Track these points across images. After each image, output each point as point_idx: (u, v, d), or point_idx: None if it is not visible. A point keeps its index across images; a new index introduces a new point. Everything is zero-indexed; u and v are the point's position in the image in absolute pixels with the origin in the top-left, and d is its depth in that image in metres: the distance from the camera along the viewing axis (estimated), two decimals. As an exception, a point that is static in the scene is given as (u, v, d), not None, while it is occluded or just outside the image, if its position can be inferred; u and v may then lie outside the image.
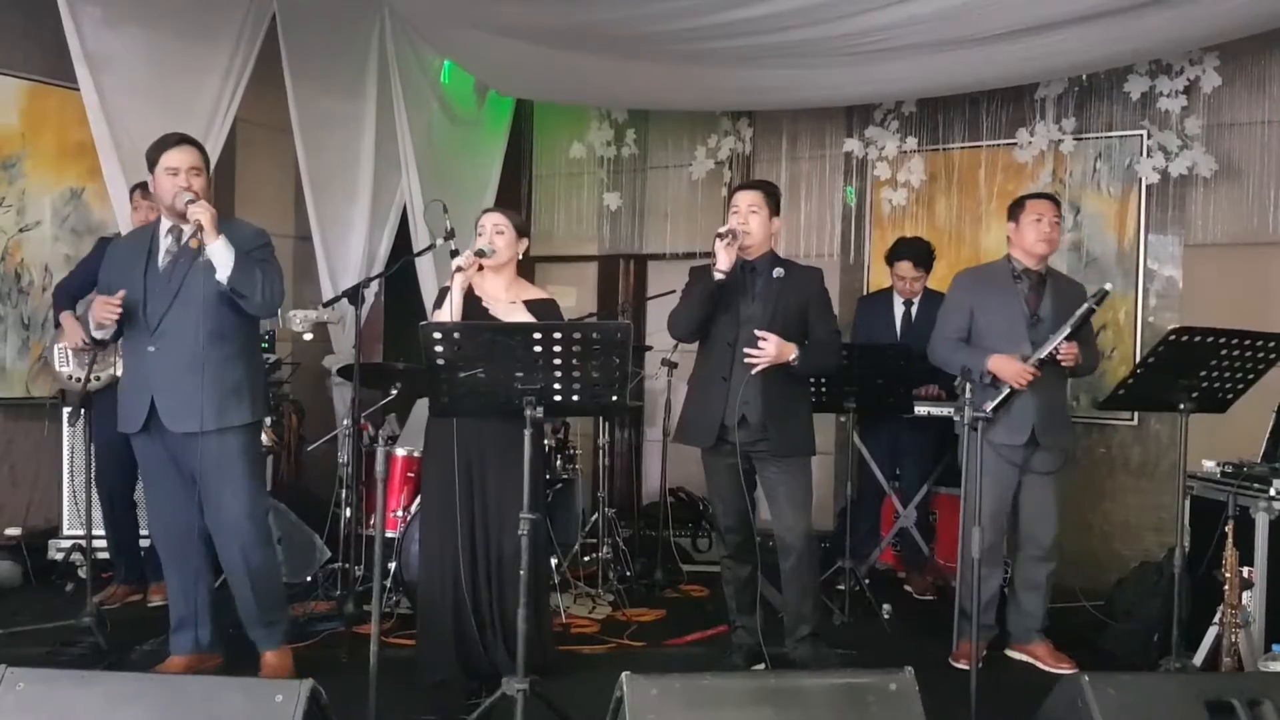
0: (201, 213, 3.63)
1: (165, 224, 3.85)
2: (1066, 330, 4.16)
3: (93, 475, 4.67)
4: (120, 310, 3.73)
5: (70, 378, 4.93)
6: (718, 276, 4.00)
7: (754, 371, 4.01)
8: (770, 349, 3.98)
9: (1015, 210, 4.43)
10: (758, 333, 4.00)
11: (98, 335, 3.84)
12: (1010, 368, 4.20)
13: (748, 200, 4.15)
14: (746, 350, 4.01)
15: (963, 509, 4.01)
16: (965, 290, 4.48)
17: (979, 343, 4.36)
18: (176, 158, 3.77)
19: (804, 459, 4.18)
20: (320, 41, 5.91)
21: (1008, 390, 4.20)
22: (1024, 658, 4.40)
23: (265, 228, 3.97)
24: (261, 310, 3.84)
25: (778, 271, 4.14)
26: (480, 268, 3.96)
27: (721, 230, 4.03)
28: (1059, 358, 4.17)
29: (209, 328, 3.73)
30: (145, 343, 3.76)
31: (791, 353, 4.01)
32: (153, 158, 3.81)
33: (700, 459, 4.25)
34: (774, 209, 4.18)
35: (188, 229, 3.68)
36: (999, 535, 4.37)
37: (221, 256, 3.67)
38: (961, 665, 4.24)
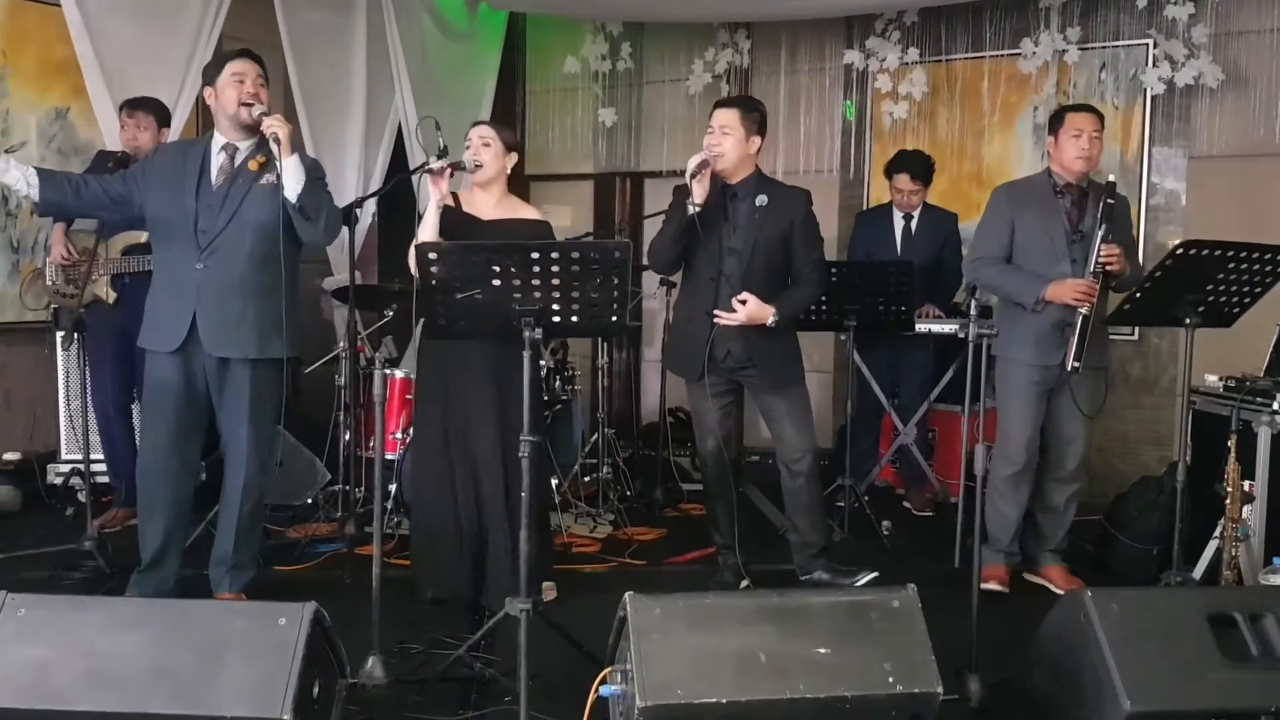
0: (279, 126, 3.56)
1: (219, 140, 3.73)
2: (1100, 232, 3.99)
3: (88, 397, 4.63)
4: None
5: (56, 292, 4.88)
6: (691, 210, 3.86)
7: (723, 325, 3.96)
8: (742, 315, 3.91)
9: (1055, 123, 4.22)
10: (736, 300, 3.91)
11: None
12: (1066, 289, 4.01)
13: (720, 120, 3.97)
14: (718, 314, 3.94)
15: (965, 426, 3.94)
16: (1005, 205, 4.24)
17: (1018, 261, 4.19)
18: (242, 65, 3.68)
19: (798, 386, 4.13)
20: (306, -48, 5.76)
21: (1081, 319, 3.98)
22: (1038, 580, 4.35)
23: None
24: (323, 236, 3.78)
25: (761, 199, 3.99)
26: (451, 174, 3.87)
27: (691, 166, 3.86)
28: (1103, 260, 3.98)
29: (261, 251, 3.66)
30: (193, 260, 3.64)
31: (769, 315, 3.92)
32: (212, 71, 3.73)
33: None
34: (753, 128, 3.99)
35: (243, 147, 3.68)
36: (1030, 459, 4.22)
37: (294, 173, 3.61)
38: (992, 586, 4.12)
